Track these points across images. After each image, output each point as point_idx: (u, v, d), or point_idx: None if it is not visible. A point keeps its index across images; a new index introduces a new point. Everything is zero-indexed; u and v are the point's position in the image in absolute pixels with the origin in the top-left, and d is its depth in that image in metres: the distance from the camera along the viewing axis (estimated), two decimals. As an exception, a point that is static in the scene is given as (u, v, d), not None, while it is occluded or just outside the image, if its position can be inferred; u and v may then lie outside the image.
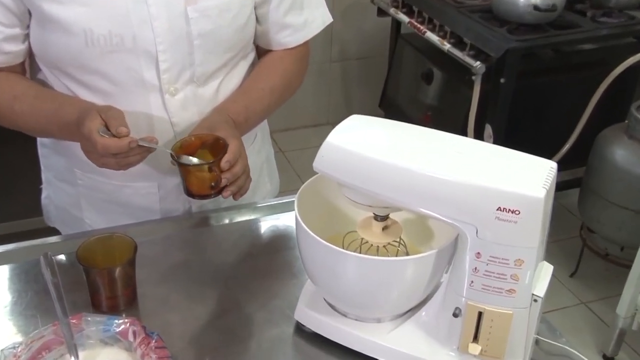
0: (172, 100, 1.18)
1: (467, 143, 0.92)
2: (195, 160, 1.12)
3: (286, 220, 1.28)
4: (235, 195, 1.15)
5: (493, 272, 0.85)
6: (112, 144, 1.05)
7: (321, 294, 1.01)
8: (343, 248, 0.93)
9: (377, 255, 0.95)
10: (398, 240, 0.98)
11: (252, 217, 1.30)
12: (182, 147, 1.12)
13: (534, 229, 0.82)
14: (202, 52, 1.17)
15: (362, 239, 0.97)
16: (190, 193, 1.14)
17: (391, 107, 3.07)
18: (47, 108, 1.16)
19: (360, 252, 0.95)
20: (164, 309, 1.06)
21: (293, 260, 1.17)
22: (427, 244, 1.03)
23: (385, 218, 0.96)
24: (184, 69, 1.17)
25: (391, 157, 0.87)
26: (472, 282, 0.87)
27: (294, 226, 0.96)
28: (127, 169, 1.11)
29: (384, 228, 0.96)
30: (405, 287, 0.93)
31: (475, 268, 0.86)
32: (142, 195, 1.27)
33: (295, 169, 3.19)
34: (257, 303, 1.08)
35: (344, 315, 0.99)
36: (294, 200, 0.96)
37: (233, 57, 1.24)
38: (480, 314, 0.89)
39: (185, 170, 1.12)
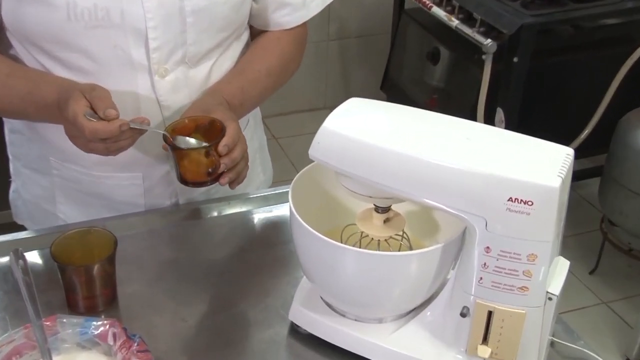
0: (162, 82, 1.18)
1: (476, 128, 0.92)
2: (193, 141, 1.12)
3: (280, 212, 1.28)
4: (232, 183, 1.15)
5: (504, 268, 0.86)
6: (101, 128, 1.04)
7: (318, 292, 1.02)
8: (341, 242, 0.94)
9: (378, 250, 0.96)
10: (401, 233, 0.98)
11: (244, 209, 1.30)
12: (175, 131, 1.12)
13: (548, 221, 0.83)
14: (195, 30, 1.17)
15: (362, 232, 0.97)
16: (184, 180, 1.14)
17: (394, 89, 3.07)
18: (22, 87, 1.15)
19: (359, 247, 0.96)
20: (148, 310, 1.06)
21: (288, 255, 1.17)
22: (432, 238, 1.03)
23: (386, 210, 0.96)
24: (175, 49, 1.17)
25: (393, 143, 0.87)
26: (481, 278, 0.88)
27: (289, 219, 0.97)
28: (117, 154, 1.11)
29: (386, 220, 0.97)
30: (409, 284, 0.94)
31: (485, 264, 0.87)
32: (125, 187, 1.26)
33: (290, 156, 3.19)
34: (248, 302, 1.08)
35: (343, 315, 1.00)
36: (288, 191, 0.96)
37: (227, 37, 1.24)
38: (490, 314, 0.89)
39: (179, 154, 1.12)
